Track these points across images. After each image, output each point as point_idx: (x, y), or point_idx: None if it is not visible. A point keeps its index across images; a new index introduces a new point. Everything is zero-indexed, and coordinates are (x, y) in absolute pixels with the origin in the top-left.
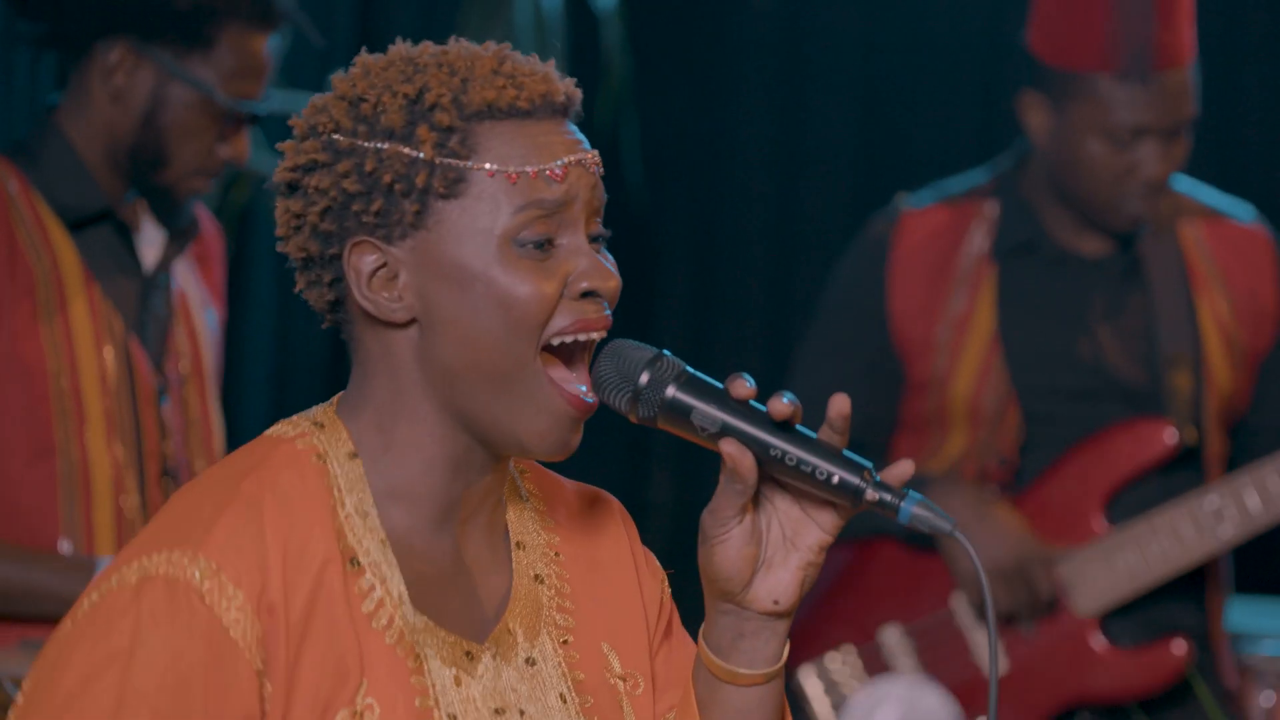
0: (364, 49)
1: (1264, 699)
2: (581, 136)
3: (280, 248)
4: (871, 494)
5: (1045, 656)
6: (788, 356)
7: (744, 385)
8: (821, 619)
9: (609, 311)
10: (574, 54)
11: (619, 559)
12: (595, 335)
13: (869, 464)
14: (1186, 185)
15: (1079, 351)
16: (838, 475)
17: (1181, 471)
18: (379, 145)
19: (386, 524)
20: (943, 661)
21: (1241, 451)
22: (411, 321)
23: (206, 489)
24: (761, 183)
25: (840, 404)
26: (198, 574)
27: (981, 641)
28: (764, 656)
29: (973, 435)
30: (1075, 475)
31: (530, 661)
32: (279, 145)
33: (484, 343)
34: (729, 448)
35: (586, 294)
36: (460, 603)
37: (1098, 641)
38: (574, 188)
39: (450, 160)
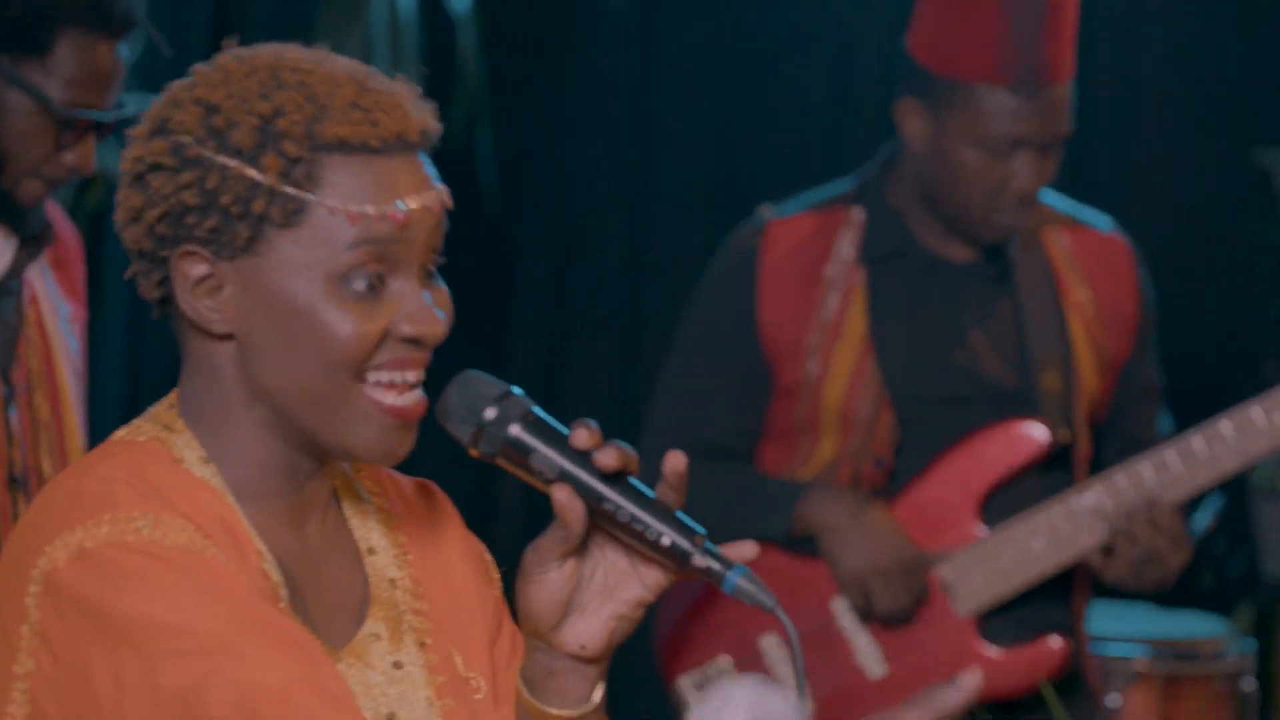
0: (230, 43)
1: (1111, 700)
2: (431, 172)
3: (117, 230)
4: (699, 560)
5: (926, 658)
6: (641, 357)
7: (586, 434)
8: (701, 628)
9: (428, 354)
10: (429, 57)
11: (458, 554)
12: (411, 376)
13: (702, 530)
14: (1048, 195)
15: (951, 356)
16: (668, 538)
17: (1053, 472)
18: (225, 162)
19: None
20: (824, 666)
21: (1099, 454)
22: (230, 335)
23: (74, 481)
24: (616, 186)
25: (675, 462)
26: (142, 526)
27: (865, 645)
28: (575, 697)
29: (845, 440)
30: (950, 478)
31: (397, 665)
32: (129, 131)
33: (301, 375)
34: (561, 496)
35: (410, 340)
36: (321, 607)
37: (978, 641)
38: (414, 230)
39: (292, 191)
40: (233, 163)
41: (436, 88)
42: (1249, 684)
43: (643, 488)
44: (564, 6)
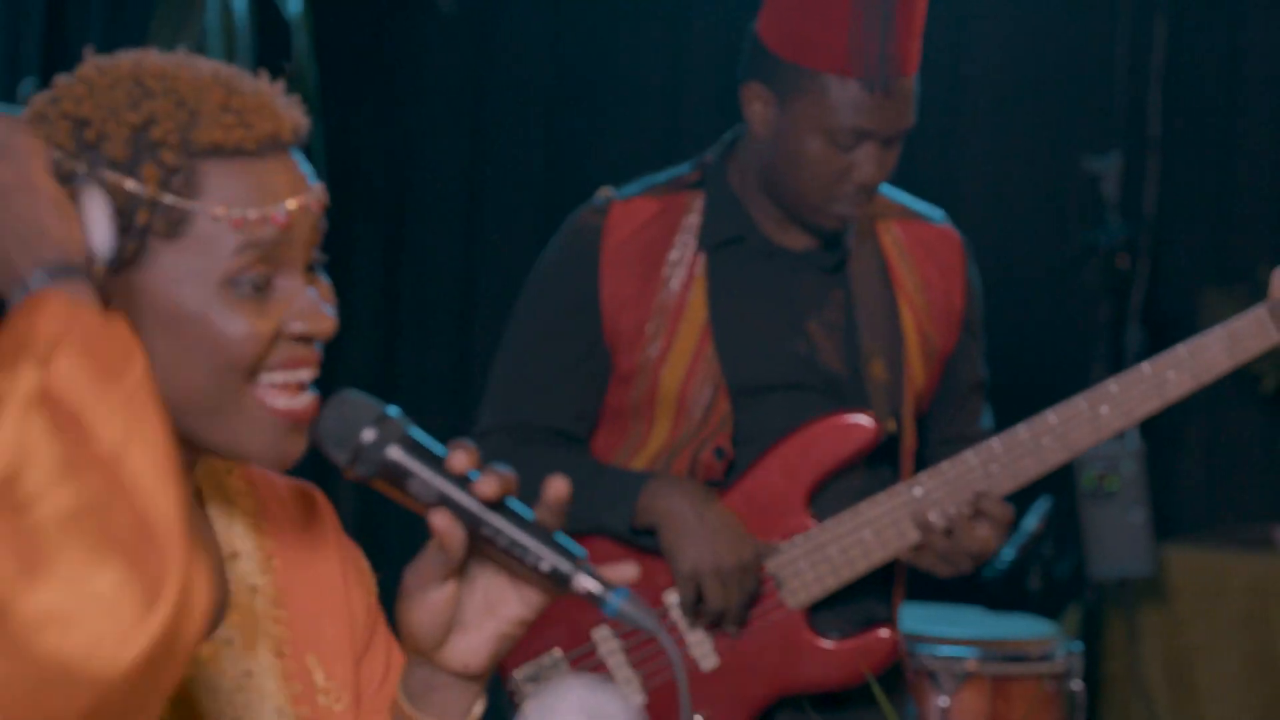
0: (89, 52)
1: (940, 700)
2: (307, 170)
3: None
4: (578, 583)
5: (758, 650)
6: (475, 351)
7: (464, 457)
8: (535, 621)
9: (319, 348)
10: (263, 59)
11: (327, 559)
12: (305, 375)
13: (582, 552)
14: (883, 187)
15: (788, 344)
16: (547, 562)
17: (881, 463)
18: (101, 176)
19: None
20: (655, 659)
21: (923, 447)
22: None
23: None
24: (450, 183)
25: (557, 487)
26: None
27: (697, 638)
28: (455, 711)
29: (679, 426)
30: (780, 469)
31: (248, 673)
32: None
33: (193, 382)
34: (439, 521)
35: (301, 337)
36: None
37: (808, 633)
38: (296, 230)
39: (173, 200)
40: (110, 176)
41: None
42: (1076, 685)
43: (522, 510)
44: (397, 8)
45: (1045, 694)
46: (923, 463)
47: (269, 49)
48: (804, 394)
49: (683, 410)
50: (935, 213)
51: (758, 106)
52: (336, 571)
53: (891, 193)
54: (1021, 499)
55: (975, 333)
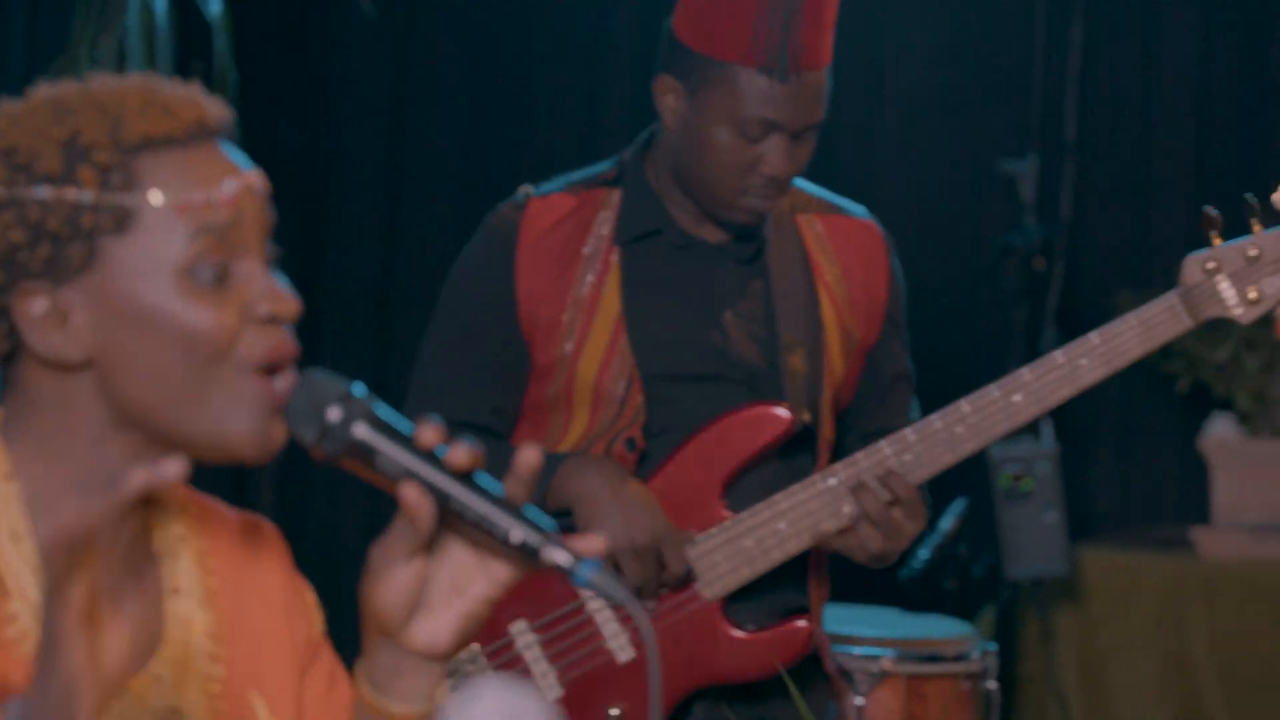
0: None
1: (856, 700)
2: (241, 158)
3: None
4: (548, 555)
5: (675, 640)
6: (394, 350)
7: (432, 431)
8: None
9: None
10: (182, 61)
11: (271, 596)
12: (278, 358)
13: (552, 525)
14: (803, 182)
15: (703, 336)
16: (517, 534)
17: (797, 454)
18: (40, 193)
19: (41, 549)
20: (573, 652)
21: (845, 439)
22: (87, 361)
23: None
24: (370, 185)
25: (528, 457)
26: None
27: (613, 629)
28: (420, 694)
29: (596, 418)
30: (695, 459)
31: (174, 710)
32: None
33: (170, 377)
34: (409, 494)
35: (268, 319)
36: (108, 638)
37: (724, 624)
38: (243, 211)
39: (115, 197)
40: (48, 190)
41: None
42: (991, 684)
43: (490, 483)
44: (317, 10)
45: (960, 694)
46: (843, 454)
47: (189, 50)
48: (719, 385)
49: (599, 402)
50: (857, 207)
51: (669, 99)
52: (279, 606)
53: (812, 187)
54: (938, 500)
55: (899, 325)
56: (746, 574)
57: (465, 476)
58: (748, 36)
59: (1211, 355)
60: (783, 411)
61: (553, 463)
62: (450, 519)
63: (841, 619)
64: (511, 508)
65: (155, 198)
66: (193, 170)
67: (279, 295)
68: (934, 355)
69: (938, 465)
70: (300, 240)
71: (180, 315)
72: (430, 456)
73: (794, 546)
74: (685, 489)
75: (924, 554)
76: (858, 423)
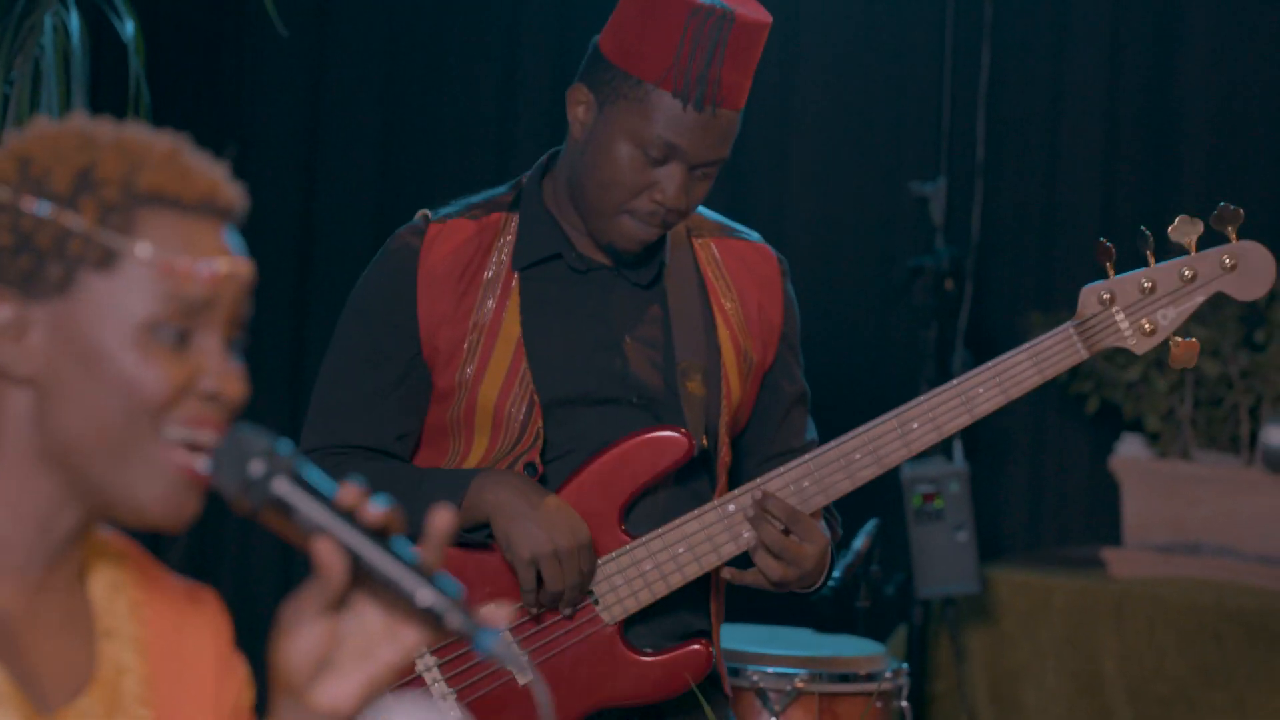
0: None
1: (768, 719)
2: (239, 246)
3: None
4: (453, 621)
5: (574, 664)
6: (307, 377)
7: (353, 492)
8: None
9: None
10: (99, 82)
11: (204, 660)
12: (207, 436)
13: (458, 591)
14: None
15: (601, 360)
16: (424, 597)
17: (696, 478)
18: (41, 207)
19: None
20: (472, 673)
21: (742, 461)
22: (30, 380)
23: None
24: (284, 209)
25: (440, 523)
26: None
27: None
28: None
29: (496, 441)
30: (594, 484)
31: None
32: None
33: (102, 419)
34: (323, 551)
35: (211, 396)
36: (34, 668)
37: (623, 647)
38: (221, 293)
39: (107, 235)
40: (49, 207)
41: (107, 112)
42: (903, 703)
43: (404, 546)
44: (231, 31)
45: (873, 712)
46: (740, 478)
47: (104, 71)
48: (619, 409)
49: (499, 426)
50: (751, 232)
51: (579, 110)
52: (210, 674)
53: (708, 212)
54: (850, 520)
55: (794, 347)
56: (646, 598)
57: (380, 537)
58: (670, 59)
59: (1121, 376)
60: (681, 436)
61: (464, 479)
62: (362, 579)
63: (754, 638)
64: (421, 571)
65: (143, 249)
66: (187, 238)
67: (229, 375)
68: (846, 375)
69: (835, 492)
70: None
71: (129, 364)
72: (348, 516)
73: (693, 571)
74: (584, 512)
75: (836, 574)
76: (756, 445)
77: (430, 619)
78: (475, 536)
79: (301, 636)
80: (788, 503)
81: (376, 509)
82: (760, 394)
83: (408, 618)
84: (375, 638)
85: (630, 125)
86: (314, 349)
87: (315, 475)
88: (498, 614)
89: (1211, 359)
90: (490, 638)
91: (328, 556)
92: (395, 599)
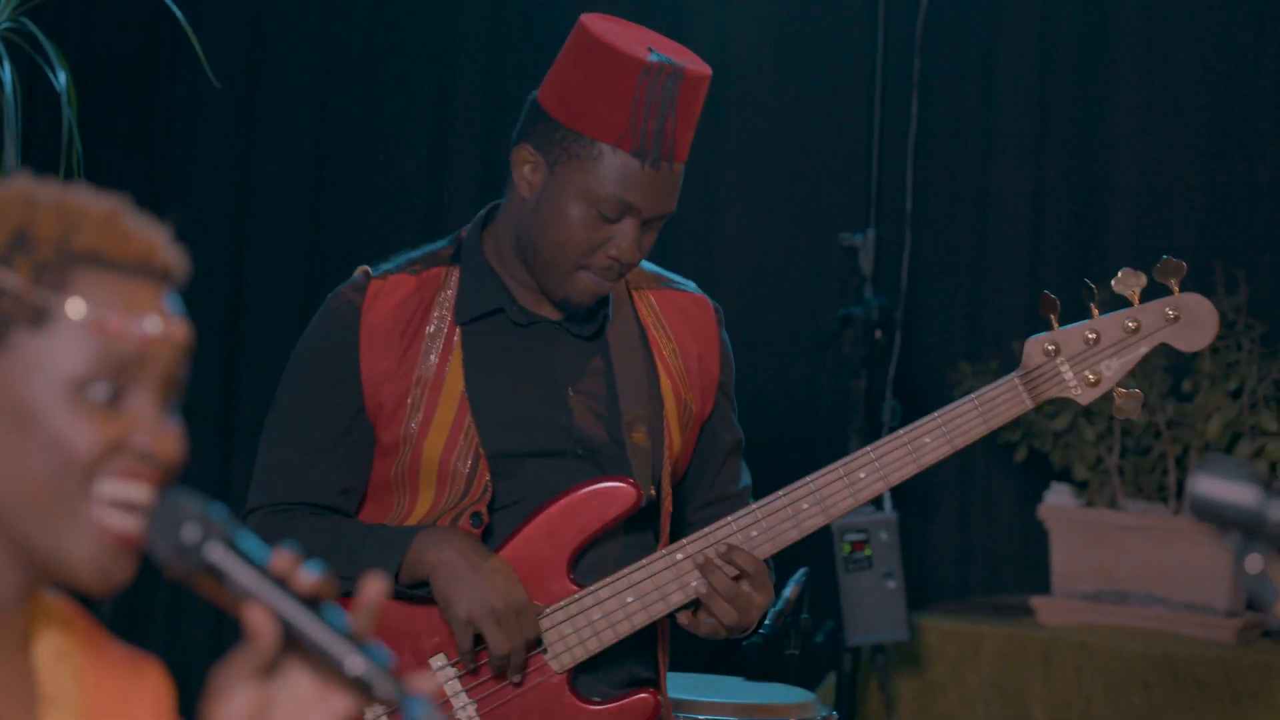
0: None
1: None
2: (176, 308)
3: None
4: (381, 689)
5: (522, 713)
6: (238, 429)
7: (285, 559)
8: None
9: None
10: (29, 131)
11: None
12: (140, 493)
13: (387, 661)
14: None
15: (546, 412)
16: (354, 665)
17: (642, 528)
18: None
19: None
20: None
21: (682, 508)
22: None
23: None
24: (214, 262)
25: (373, 592)
26: None
27: (461, 701)
28: None
29: (442, 495)
30: (542, 535)
31: None
32: None
33: (31, 479)
34: (255, 617)
35: (145, 454)
36: None
37: (570, 696)
38: (153, 354)
39: (41, 294)
40: None
41: (39, 162)
42: None
43: (336, 614)
44: (165, 82)
45: None
46: (678, 524)
47: (36, 121)
48: (565, 461)
49: (444, 480)
50: (687, 282)
51: (526, 170)
52: None
53: (644, 264)
54: (780, 568)
55: (729, 395)
56: (594, 646)
57: (312, 604)
58: (624, 120)
59: (1049, 425)
60: (630, 487)
61: (406, 536)
62: (293, 645)
63: (685, 687)
64: (353, 640)
65: (75, 308)
66: (121, 298)
67: (164, 434)
68: (778, 424)
69: (783, 541)
70: None
71: (58, 422)
72: (279, 583)
73: (641, 620)
74: (532, 563)
75: (765, 621)
76: (694, 492)
77: (359, 686)
78: (418, 593)
79: (233, 701)
80: (752, 555)
81: (308, 576)
82: (699, 443)
83: (339, 685)
84: (306, 702)
85: (584, 185)
86: (244, 406)
87: (248, 541)
88: (426, 684)
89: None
90: (418, 707)
91: (259, 623)
92: (325, 666)
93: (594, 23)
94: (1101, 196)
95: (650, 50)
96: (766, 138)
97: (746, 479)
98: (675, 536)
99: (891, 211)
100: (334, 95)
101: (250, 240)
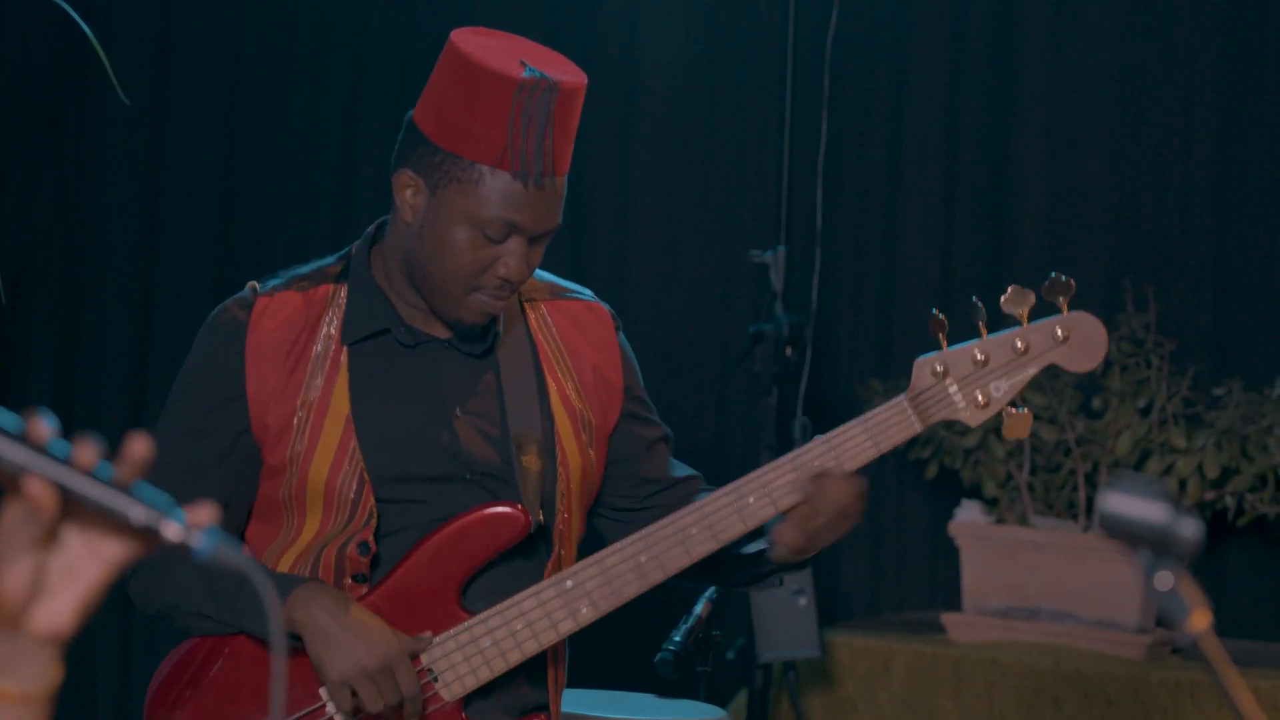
0: None
1: None
2: None
3: None
4: (169, 533)
5: None
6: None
7: (43, 426)
8: (186, 717)
9: None
10: None
11: None
12: None
13: (167, 503)
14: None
15: (433, 435)
16: (138, 515)
17: (534, 553)
18: None
19: None
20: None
21: (616, 523)
22: None
23: None
24: (124, 276)
25: (139, 447)
26: None
27: None
28: (36, 674)
29: (329, 520)
30: (430, 562)
31: None
32: None
33: None
34: (33, 488)
35: None
36: None
37: None
38: None
39: None
40: None
41: None
42: None
43: (105, 468)
44: (73, 97)
45: None
46: (619, 530)
47: None
48: (452, 485)
49: (330, 504)
50: (583, 290)
51: (408, 194)
52: None
53: (539, 272)
54: (690, 587)
55: (640, 398)
56: (486, 675)
57: (78, 465)
58: (502, 140)
59: (959, 442)
60: (517, 512)
61: (281, 589)
62: (72, 509)
63: (596, 703)
64: (128, 490)
65: None
66: None
67: None
68: (689, 442)
69: (673, 567)
70: (56, 325)
71: None
72: (45, 451)
73: (532, 649)
74: (421, 591)
75: (677, 638)
76: (627, 492)
77: (146, 534)
78: (294, 644)
79: (13, 571)
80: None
81: (83, 447)
82: (611, 450)
83: (116, 535)
84: (80, 558)
85: (467, 209)
86: (152, 418)
87: (4, 417)
88: (206, 515)
89: (1049, 425)
90: (209, 541)
91: (39, 493)
92: (108, 522)
93: (464, 40)
94: (1011, 214)
95: (523, 65)
96: (677, 154)
97: (679, 471)
98: (604, 545)
99: (802, 229)
100: (243, 108)
101: (160, 253)
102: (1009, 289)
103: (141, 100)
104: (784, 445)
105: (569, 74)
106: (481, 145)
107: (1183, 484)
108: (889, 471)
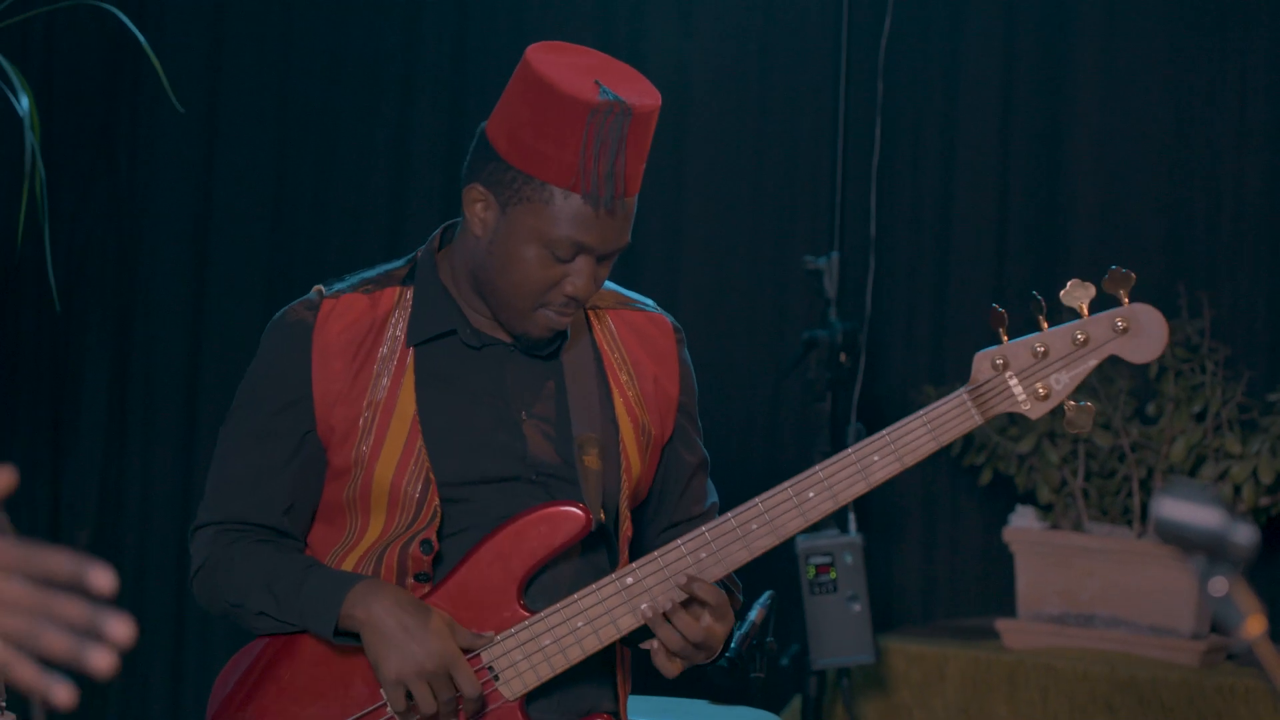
0: None
1: None
2: None
3: None
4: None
5: None
6: (199, 446)
7: None
8: (250, 716)
9: None
10: None
11: None
12: None
13: None
14: None
15: (497, 437)
16: None
17: (596, 552)
18: None
19: None
20: None
21: (645, 530)
22: None
23: None
24: (177, 284)
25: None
26: None
27: None
28: None
29: (393, 520)
30: (492, 560)
31: None
32: None
33: None
34: None
35: None
36: None
37: None
38: None
39: None
40: None
41: (2, 187)
42: None
43: None
44: (126, 106)
45: None
46: (642, 548)
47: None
48: (515, 486)
49: (395, 505)
50: (647, 301)
51: (478, 209)
52: None
53: (605, 282)
54: (746, 592)
55: (692, 416)
56: (546, 672)
57: None
58: (574, 163)
59: (1013, 447)
60: (578, 511)
61: (341, 589)
62: None
63: (649, 710)
64: None
65: None
66: None
67: None
68: (742, 449)
69: (732, 563)
70: (109, 333)
71: None
72: None
73: (592, 644)
74: (483, 589)
75: (731, 644)
76: (659, 514)
77: None
78: (354, 643)
79: None
80: (711, 585)
81: None
82: (660, 465)
83: None
84: None
85: (537, 228)
86: (205, 422)
87: None
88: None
89: (1103, 431)
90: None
91: None
92: None
93: (539, 57)
94: (1065, 219)
95: (598, 86)
96: (730, 162)
97: (713, 497)
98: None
99: (856, 235)
100: (295, 116)
101: (212, 262)
102: (1069, 283)
103: (193, 109)
104: (838, 451)
105: (644, 95)
106: (553, 166)
107: (1237, 490)
108: (943, 478)
